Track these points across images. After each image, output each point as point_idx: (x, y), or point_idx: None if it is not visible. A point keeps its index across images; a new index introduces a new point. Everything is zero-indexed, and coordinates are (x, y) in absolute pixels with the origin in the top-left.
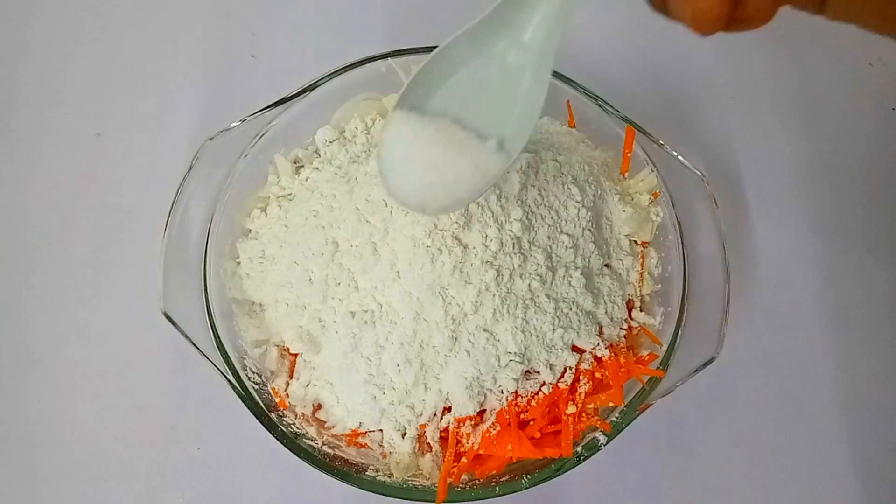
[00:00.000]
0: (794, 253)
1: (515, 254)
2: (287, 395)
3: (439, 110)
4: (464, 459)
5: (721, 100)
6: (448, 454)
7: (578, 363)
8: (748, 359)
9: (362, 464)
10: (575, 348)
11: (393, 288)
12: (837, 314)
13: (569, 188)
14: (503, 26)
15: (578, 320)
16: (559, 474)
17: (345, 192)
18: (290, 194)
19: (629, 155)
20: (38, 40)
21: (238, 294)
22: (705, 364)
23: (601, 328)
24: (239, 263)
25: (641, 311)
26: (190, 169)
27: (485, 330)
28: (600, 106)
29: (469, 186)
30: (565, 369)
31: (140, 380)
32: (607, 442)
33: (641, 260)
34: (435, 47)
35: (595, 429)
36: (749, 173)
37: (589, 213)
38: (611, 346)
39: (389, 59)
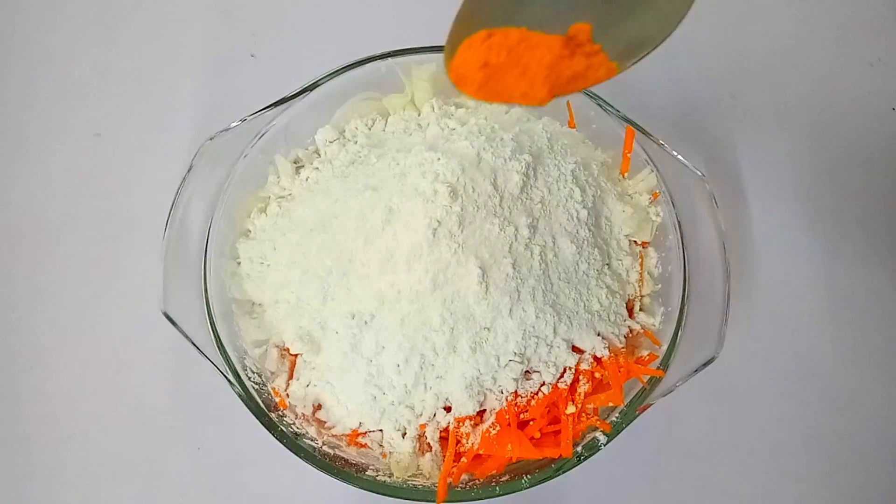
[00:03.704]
0: (794, 253)
1: (515, 253)
2: (287, 395)
3: None
4: (464, 459)
5: (721, 100)
6: (448, 454)
7: (578, 363)
8: (748, 359)
9: (362, 464)
10: (575, 348)
11: (393, 288)
12: (837, 314)
13: (569, 188)
14: None
15: (578, 320)
16: (559, 474)
17: (345, 192)
18: (290, 194)
19: (629, 155)
20: (37, 40)
21: (238, 294)
22: (705, 364)
23: (601, 328)
24: (239, 263)
25: (641, 311)
26: (190, 169)
27: (485, 329)
28: (600, 106)
29: None
30: (565, 369)
31: (140, 380)
32: (607, 442)
33: (641, 260)
34: (435, 47)
35: (595, 429)
36: (749, 173)
37: (589, 214)
38: (610, 346)
39: (389, 59)
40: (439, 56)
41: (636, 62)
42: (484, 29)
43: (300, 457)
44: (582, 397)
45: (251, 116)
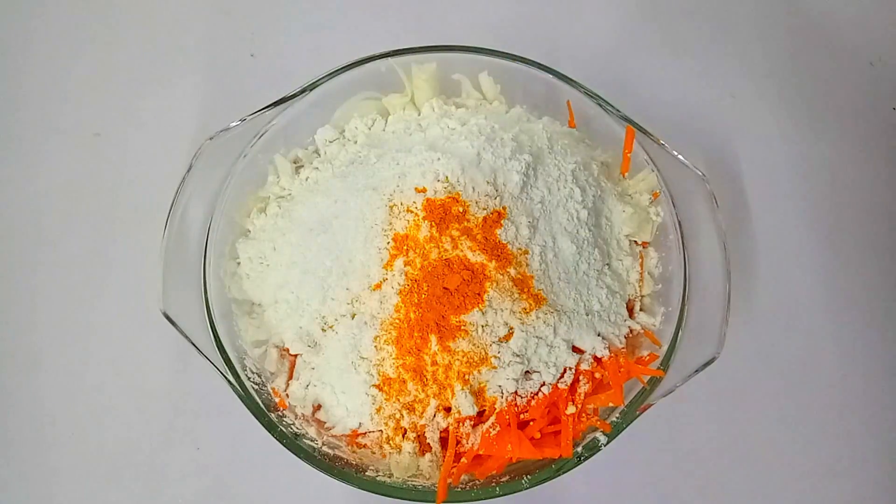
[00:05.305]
0: (794, 253)
1: (515, 253)
2: (287, 395)
3: None
4: (464, 460)
5: (721, 100)
6: (448, 454)
7: (578, 363)
8: (748, 359)
9: (362, 464)
10: (575, 349)
11: (393, 288)
12: (837, 314)
13: (569, 188)
14: None
15: (578, 320)
16: (559, 474)
17: (345, 192)
18: (289, 194)
19: (629, 155)
20: (37, 40)
21: (238, 294)
22: (705, 364)
23: (601, 328)
24: (239, 263)
25: (641, 311)
26: (190, 169)
27: (484, 328)
28: (600, 106)
29: None
30: (565, 369)
31: (140, 380)
32: (608, 442)
33: (641, 260)
34: (434, 47)
35: (595, 429)
36: (749, 173)
37: (589, 214)
38: (610, 346)
39: (389, 58)
40: (439, 56)
41: None
42: None
43: (300, 457)
44: (582, 397)
45: (251, 116)
